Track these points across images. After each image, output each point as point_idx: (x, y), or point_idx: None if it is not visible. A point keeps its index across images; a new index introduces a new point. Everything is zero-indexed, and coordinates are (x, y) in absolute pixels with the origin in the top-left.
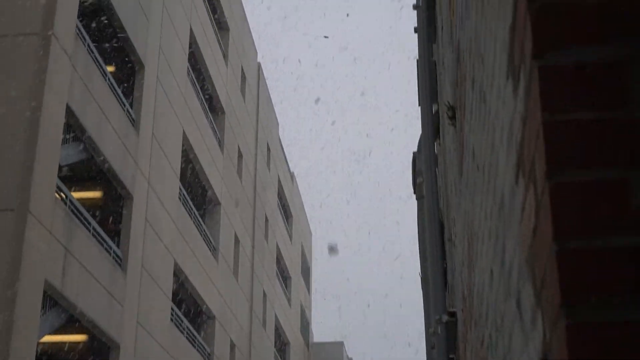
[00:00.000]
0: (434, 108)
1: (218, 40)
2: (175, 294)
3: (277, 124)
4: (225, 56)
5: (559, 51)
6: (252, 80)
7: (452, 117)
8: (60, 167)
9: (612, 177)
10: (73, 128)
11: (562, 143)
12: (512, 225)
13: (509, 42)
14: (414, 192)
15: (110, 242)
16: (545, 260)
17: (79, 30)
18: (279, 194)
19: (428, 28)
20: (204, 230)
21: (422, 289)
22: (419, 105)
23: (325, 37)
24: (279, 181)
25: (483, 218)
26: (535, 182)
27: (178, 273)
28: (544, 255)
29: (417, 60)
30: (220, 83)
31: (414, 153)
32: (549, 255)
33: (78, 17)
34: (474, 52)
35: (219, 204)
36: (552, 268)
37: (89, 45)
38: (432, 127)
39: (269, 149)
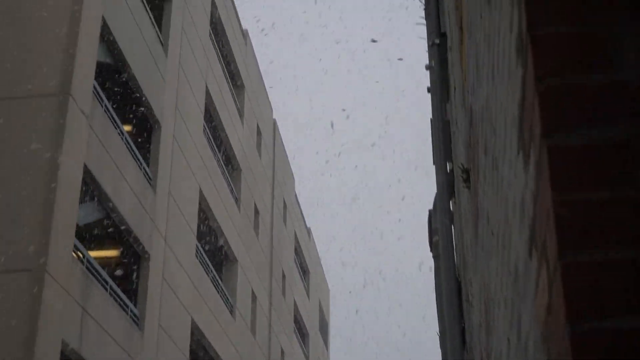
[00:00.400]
0: (449, 166)
1: (234, 98)
2: (192, 353)
3: (293, 179)
4: (241, 114)
5: (568, 131)
6: (267, 136)
7: (466, 180)
8: (77, 227)
9: (625, 256)
10: (90, 187)
11: (573, 223)
12: (527, 298)
13: (519, 117)
14: (430, 251)
15: (127, 301)
16: (560, 340)
17: (96, 90)
18: (295, 249)
19: (441, 88)
20: (221, 288)
21: (440, 348)
22: (434, 163)
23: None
24: (296, 237)
25: (499, 285)
26: (548, 261)
27: (195, 331)
28: (559, 335)
29: (431, 120)
30: (237, 140)
31: (429, 211)
32: (563, 336)
33: (95, 78)
34: (485, 119)
35: (236, 260)
36: (567, 350)
37: (106, 106)
38: (447, 186)
39: (285, 205)
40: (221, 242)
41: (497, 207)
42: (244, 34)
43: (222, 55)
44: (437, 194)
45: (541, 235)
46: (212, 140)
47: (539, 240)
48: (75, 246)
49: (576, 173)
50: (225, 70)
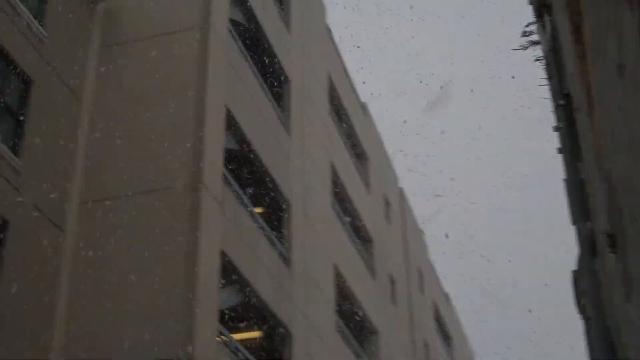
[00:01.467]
0: (588, 226)
1: (358, 170)
2: None
3: (426, 246)
4: (367, 185)
5: None
6: (395, 205)
7: (612, 245)
8: (220, 311)
9: None
10: (228, 272)
11: None
12: None
13: None
14: (579, 313)
15: None
16: None
17: (226, 177)
18: (435, 316)
19: (572, 148)
20: (367, 356)
21: None
22: (573, 224)
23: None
24: (435, 303)
25: None
26: None
27: None
28: None
29: (565, 180)
30: (365, 212)
31: (573, 272)
32: None
33: (224, 164)
34: (628, 189)
35: (377, 332)
36: None
37: (236, 191)
38: (589, 246)
39: (420, 273)
40: (360, 315)
41: None
42: (363, 106)
43: (343, 130)
44: (579, 255)
45: None
46: (341, 214)
47: None
48: (219, 331)
49: None
50: (348, 144)
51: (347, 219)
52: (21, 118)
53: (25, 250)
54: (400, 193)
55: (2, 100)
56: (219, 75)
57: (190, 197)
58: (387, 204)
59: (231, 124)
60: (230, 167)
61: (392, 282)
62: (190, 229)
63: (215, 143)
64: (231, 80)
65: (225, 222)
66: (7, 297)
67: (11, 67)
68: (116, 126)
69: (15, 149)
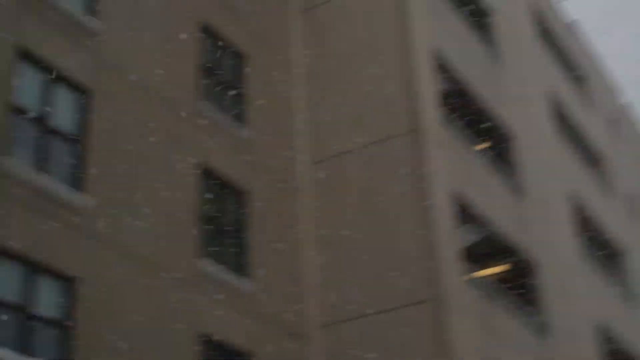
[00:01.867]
0: None
1: (578, 91)
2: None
3: None
4: (589, 104)
5: None
6: (622, 119)
7: None
8: (462, 250)
9: None
10: (465, 210)
11: None
12: None
13: None
14: None
15: (527, 311)
16: None
17: (446, 118)
18: None
19: None
20: (617, 280)
21: None
22: None
23: None
24: None
25: None
26: None
27: (602, 331)
28: None
29: None
30: (591, 132)
31: None
32: None
33: (442, 106)
34: None
35: (624, 252)
36: None
37: (459, 130)
38: None
39: None
40: (605, 236)
41: None
42: (572, 25)
43: (555, 52)
44: None
45: None
46: (567, 137)
47: None
48: (464, 269)
49: None
50: (562, 66)
51: (574, 141)
52: (241, 91)
53: (269, 218)
54: (626, 106)
55: (221, 75)
56: (422, 18)
57: (412, 142)
58: (614, 120)
59: (442, 65)
60: (448, 107)
61: (632, 198)
62: (417, 174)
63: (429, 85)
64: (435, 21)
65: (452, 162)
66: (262, 267)
67: (222, 44)
68: (330, 86)
69: (241, 121)
